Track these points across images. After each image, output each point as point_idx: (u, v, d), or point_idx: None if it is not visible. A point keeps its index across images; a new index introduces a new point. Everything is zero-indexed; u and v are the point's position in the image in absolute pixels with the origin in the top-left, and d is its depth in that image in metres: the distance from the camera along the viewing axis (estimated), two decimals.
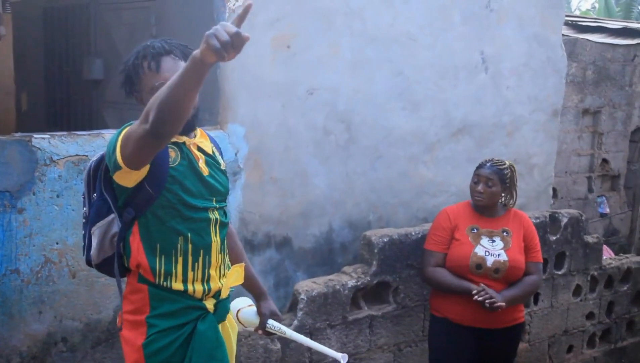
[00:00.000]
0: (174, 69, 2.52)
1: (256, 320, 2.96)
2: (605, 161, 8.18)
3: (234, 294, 2.94)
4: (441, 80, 5.00)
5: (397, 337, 4.60)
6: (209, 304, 2.70)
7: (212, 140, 2.87)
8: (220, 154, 2.88)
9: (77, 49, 5.86)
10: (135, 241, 2.61)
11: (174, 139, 2.59)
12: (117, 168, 2.49)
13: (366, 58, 4.62)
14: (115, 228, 2.65)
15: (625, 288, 5.98)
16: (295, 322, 4.09)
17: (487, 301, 3.93)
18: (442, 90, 5.02)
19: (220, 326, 2.75)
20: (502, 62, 5.31)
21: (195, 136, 2.71)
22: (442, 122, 5.06)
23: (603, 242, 5.87)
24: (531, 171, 5.64)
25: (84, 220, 2.75)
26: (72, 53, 5.95)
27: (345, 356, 2.86)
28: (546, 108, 5.67)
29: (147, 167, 2.50)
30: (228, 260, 2.85)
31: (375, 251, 4.42)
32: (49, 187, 3.56)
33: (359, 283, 4.36)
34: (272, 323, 2.95)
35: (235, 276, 2.81)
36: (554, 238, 5.27)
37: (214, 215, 2.68)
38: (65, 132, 3.76)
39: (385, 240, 4.45)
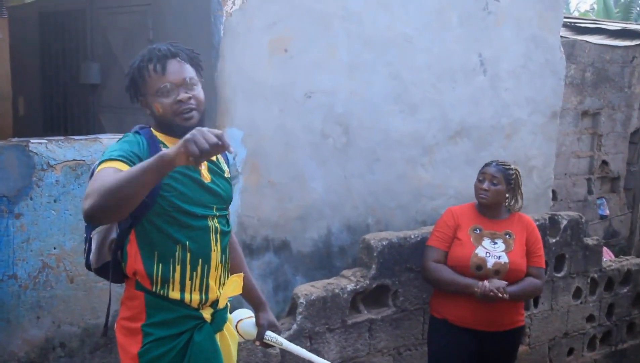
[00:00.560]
0: (180, 71, 2.54)
1: (254, 332, 2.92)
2: (604, 162, 8.17)
3: (235, 304, 2.93)
4: (439, 82, 4.99)
5: (396, 340, 4.59)
6: (206, 314, 2.66)
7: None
8: (226, 161, 2.85)
9: (73, 53, 5.84)
10: (133, 249, 2.57)
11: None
12: None
13: (363, 61, 4.61)
14: (114, 234, 2.62)
15: (625, 290, 5.97)
16: (295, 326, 4.08)
17: (491, 293, 3.92)
18: (440, 92, 5.01)
19: (218, 336, 2.72)
20: (500, 64, 5.30)
21: None
22: (440, 125, 5.05)
23: (603, 244, 5.86)
24: (530, 174, 5.63)
25: (86, 223, 2.67)
26: (68, 57, 5.93)
27: None
28: (545, 110, 5.66)
29: None
30: (228, 269, 2.82)
31: (374, 254, 4.41)
32: (46, 192, 3.56)
33: (358, 287, 4.34)
34: (269, 334, 2.92)
35: (233, 286, 2.77)
36: (554, 240, 5.26)
37: (214, 223, 2.65)
38: (62, 137, 3.75)
39: (384, 243, 4.44)
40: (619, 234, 8.44)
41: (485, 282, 3.97)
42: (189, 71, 2.57)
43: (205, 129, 2.11)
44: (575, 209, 7.47)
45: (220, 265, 2.68)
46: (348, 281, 4.34)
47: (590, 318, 5.76)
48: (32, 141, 3.56)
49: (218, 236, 2.66)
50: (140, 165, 2.16)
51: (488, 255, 4.08)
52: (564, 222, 5.32)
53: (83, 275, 3.66)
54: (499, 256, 4.07)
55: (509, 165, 4.21)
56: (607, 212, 8.22)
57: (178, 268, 2.57)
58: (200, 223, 2.59)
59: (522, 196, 4.27)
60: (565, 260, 5.39)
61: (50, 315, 3.65)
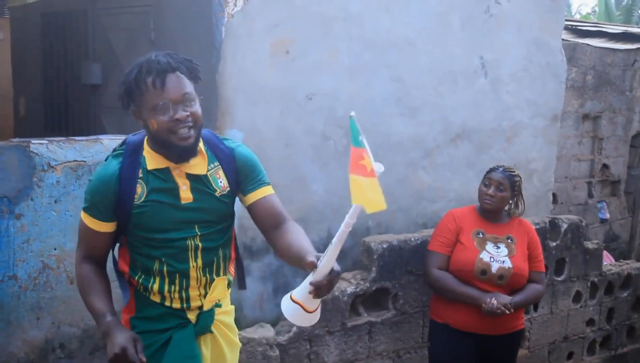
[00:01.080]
0: (179, 87, 2.45)
1: (307, 283, 2.35)
2: (605, 166, 8.16)
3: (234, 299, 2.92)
4: (440, 85, 4.99)
5: (396, 343, 4.59)
6: (191, 315, 2.68)
7: (221, 156, 2.70)
8: (230, 172, 2.69)
9: (75, 53, 5.85)
10: (123, 253, 2.71)
11: (157, 166, 2.56)
12: None
13: (364, 63, 4.61)
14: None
15: (625, 294, 5.97)
16: (294, 329, 4.08)
17: (498, 310, 3.94)
18: (441, 95, 5.01)
19: (203, 338, 2.71)
20: (501, 67, 5.30)
21: (190, 160, 2.59)
22: (440, 128, 5.05)
23: (603, 248, 5.86)
24: (531, 177, 5.63)
25: None
26: (70, 58, 5.94)
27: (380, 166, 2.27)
28: (546, 113, 5.66)
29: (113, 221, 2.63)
30: (225, 273, 2.76)
31: (375, 257, 4.40)
32: (47, 193, 3.56)
33: (358, 289, 4.34)
34: (317, 262, 2.34)
35: (218, 289, 2.72)
36: (554, 244, 5.26)
37: (194, 242, 2.60)
38: (63, 138, 3.75)
39: (384, 246, 4.44)
40: (619, 238, 8.44)
41: (493, 300, 3.97)
42: (188, 86, 2.49)
43: (124, 357, 2.38)
44: (575, 213, 7.47)
45: (203, 277, 2.65)
46: (348, 284, 4.34)
47: (590, 322, 5.76)
48: (32, 141, 3.55)
49: (199, 253, 2.62)
50: (93, 311, 2.56)
51: (492, 259, 4.07)
52: (564, 226, 5.31)
53: None
54: (503, 261, 4.07)
55: (514, 171, 4.21)
56: (608, 216, 8.21)
57: (157, 279, 2.61)
58: (176, 244, 2.58)
59: (523, 202, 4.27)
60: (565, 263, 5.39)
61: (50, 316, 3.65)
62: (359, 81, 4.60)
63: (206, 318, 2.70)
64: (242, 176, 2.70)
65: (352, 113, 2.15)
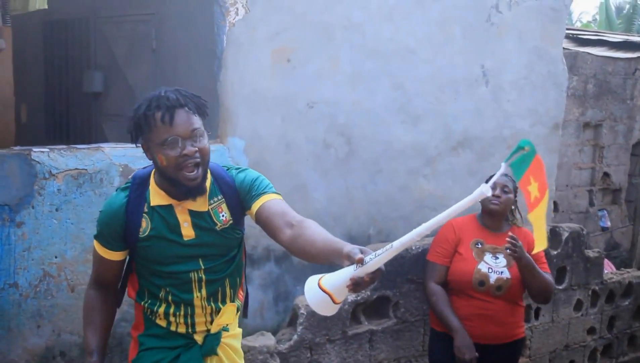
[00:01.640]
0: (187, 123, 2.44)
1: (344, 274, 2.17)
2: (606, 174, 8.16)
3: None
4: (441, 93, 5.00)
5: (397, 351, 4.58)
6: (198, 336, 2.68)
7: (225, 189, 2.66)
8: (233, 203, 2.64)
9: (76, 61, 5.86)
10: (132, 277, 2.73)
11: (160, 202, 2.57)
12: None
13: (366, 72, 4.61)
14: None
15: (626, 302, 5.96)
16: (295, 337, 4.07)
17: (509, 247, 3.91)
18: (442, 103, 5.01)
19: (210, 359, 2.70)
20: (502, 75, 5.30)
21: (196, 198, 2.57)
22: (442, 136, 5.05)
23: (604, 256, 5.85)
24: None
25: None
26: (71, 66, 5.95)
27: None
28: (547, 122, 5.66)
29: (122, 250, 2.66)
30: (234, 300, 2.74)
31: None
32: (48, 201, 3.56)
33: (358, 298, 4.34)
34: (367, 258, 2.11)
35: (226, 315, 2.71)
36: (555, 252, 5.25)
37: (198, 275, 2.60)
38: (64, 146, 3.75)
39: None
40: (620, 246, 8.44)
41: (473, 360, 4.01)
42: (196, 122, 2.48)
43: None
44: (576, 221, 7.47)
45: (208, 306, 2.65)
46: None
47: (591, 331, 5.75)
48: (34, 149, 3.56)
49: (203, 284, 2.62)
50: (85, 333, 2.68)
51: (490, 270, 4.06)
52: (565, 234, 5.31)
53: (84, 284, 3.64)
54: (501, 272, 4.06)
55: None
56: (609, 224, 8.21)
57: (163, 305, 2.63)
58: (180, 277, 2.60)
59: (519, 210, 4.27)
60: (566, 272, 5.39)
61: (51, 324, 3.65)
62: (361, 89, 4.61)
63: (212, 340, 2.69)
64: (242, 196, 2.65)
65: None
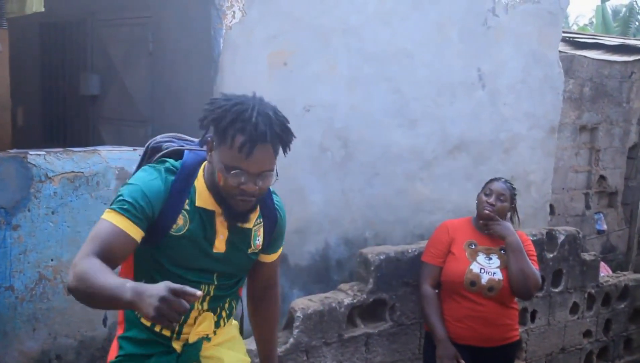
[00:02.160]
0: (263, 162, 2.24)
1: None
2: (602, 177, 8.17)
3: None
4: (438, 97, 5.00)
5: (393, 355, 4.58)
6: (176, 345, 2.54)
7: (266, 214, 2.58)
8: (269, 232, 2.60)
9: (73, 64, 5.85)
10: (126, 266, 2.51)
11: (205, 205, 2.39)
12: None
13: (363, 75, 4.62)
14: None
15: (622, 305, 5.97)
16: (291, 340, 4.07)
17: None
18: (440, 107, 5.02)
19: None
20: (499, 79, 5.31)
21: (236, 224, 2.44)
22: (439, 139, 5.06)
23: (600, 259, 5.86)
24: (528, 188, 5.64)
25: None
26: (68, 68, 5.94)
27: None
28: (543, 125, 5.67)
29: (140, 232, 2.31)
30: (224, 317, 2.65)
31: (372, 268, 4.40)
32: (44, 204, 3.55)
33: (355, 301, 4.34)
34: None
35: (205, 324, 2.56)
36: (551, 255, 5.26)
37: (207, 289, 2.48)
38: (60, 149, 3.75)
39: (381, 257, 4.44)
40: (616, 249, 8.44)
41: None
42: (272, 162, 2.28)
43: (173, 300, 1.89)
44: (572, 224, 7.47)
45: (202, 318, 2.54)
46: (345, 295, 4.33)
47: (587, 334, 5.76)
48: (30, 152, 3.55)
49: (207, 298, 2.50)
50: (109, 286, 2.02)
51: (482, 271, 4.07)
52: (562, 237, 5.32)
53: None
54: (494, 273, 4.07)
55: (512, 184, 4.24)
56: (605, 227, 8.22)
57: None
58: (189, 285, 2.18)
59: (518, 215, 4.29)
60: (562, 275, 5.39)
61: (47, 327, 3.64)
62: (358, 93, 4.61)
63: (194, 349, 2.56)
64: (273, 240, 2.64)
65: None
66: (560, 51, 5.94)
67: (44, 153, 3.58)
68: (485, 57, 5.21)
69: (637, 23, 20.05)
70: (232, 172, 2.23)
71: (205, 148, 2.37)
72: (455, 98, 5.09)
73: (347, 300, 4.29)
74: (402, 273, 4.52)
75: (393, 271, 4.48)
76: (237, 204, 2.31)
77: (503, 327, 4.11)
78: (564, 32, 6.69)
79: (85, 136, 5.71)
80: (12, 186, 3.46)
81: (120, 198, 2.29)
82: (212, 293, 2.50)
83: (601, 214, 8.22)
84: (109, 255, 2.23)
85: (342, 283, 4.50)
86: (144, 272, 2.42)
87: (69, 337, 3.71)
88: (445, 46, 4.99)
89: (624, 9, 20.88)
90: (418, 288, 4.32)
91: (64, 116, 6.10)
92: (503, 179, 4.22)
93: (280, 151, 2.31)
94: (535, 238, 4.99)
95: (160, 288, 1.91)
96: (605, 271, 6.40)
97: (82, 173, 3.64)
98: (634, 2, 20.28)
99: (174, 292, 1.90)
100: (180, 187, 2.37)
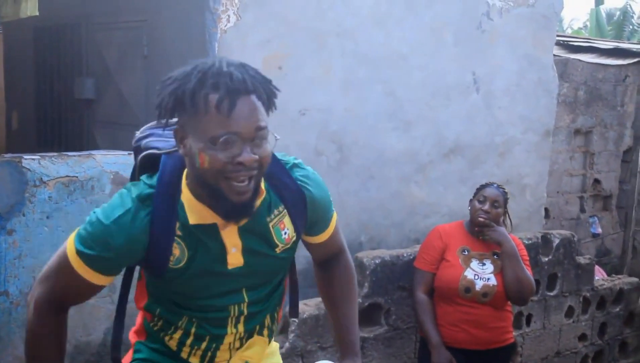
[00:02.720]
0: (253, 117, 1.77)
1: None
2: (597, 181, 8.17)
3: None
4: (433, 100, 5.01)
5: (388, 359, 4.57)
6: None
7: (287, 197, 2.04)
8: (298, 217, 2.06)
9: (68, 68, 5.84)
10: (141, 285, 2.10)
11: (200, 221, 1.90)
12: None
13: (358, 78, 4.62)
14: None
15: (617, 309, 5.97)
16: (287, 344, 4.06)
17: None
18: (434, 110, 5.02)
19: None
20: (493, 82, 5.32)
21: (240, 221, 1.92)
22: (434, 143, 5.06)
23: (595, 263, 5.87)
24: (523, 192, 5.64)
25: None
26: (63, 72, 5.93)
27: None
28: (538, 128, 5.68)
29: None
30: (271, 334, 2.22)
31: (367, 272, 4.40)
32: (39, 208, 3.54)
33: None
34: None
35: (254, 348, 2.16)
36: (546, 259, 5.26)
37: (239, 309, 2.03)
38: (55, 153, 3.74)
39: (377, 261, 4.43)
40: (611, 252, 8.44)
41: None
42: (262, 117, 1.81)
43: None
44: (567, 228, 7.47)
45: (238, 341, 2.10)
46: None
47: (582, 337, 5.76)
48: (25, 157, 3.54)
49: (242, 319, 2.05)
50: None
51: (477, 277, 4.07)
52: (556, 241, 5.32)
53: None
54: (488, 279, 4.07)
55: (504, 188, 4.24)
56: (600, 230, 8.22)
57: (179, 332, 2.06)
58: (215, 310, 2.02)
59: (510, 219, 4.29)
60: (557, 278, 5.39)
61: None
62: (353, 96, 4.61)
63: None
64: (313, 221, 2.14)
65: None
66: (554, 55, 5.94)
67: (38, 157, 3.57)
68: (480, 61, 5.21)
69: (631, 27, 20.10)
70: (218, 143, 1.74)
71: (180, 150, 1.84)
72: (450, 101, 5.09)
73: None
74: (397, 277, 4.51)
75: (388, 275, 4.47)
76: (235, 187, 1.78)
77: (497, 330, 4.12)
78: (558, 35, 6.70)
79: (80, 140, 5.70)
80: (7, 191, 3.45)
81: (87, 241, 1.90)
82: (246, 312, 2.04)
83: (596, 218, 8.22)
84: (70, 300, 2.03)
85: None
86: (160, 298, 2.04)
87: None
88: (440, 49, 4.99)
89: (618, 13, 20.94)
90: (412, 294, 4.32)
91: (58, 120, 6.08)
92: (495, 185, 4.21)
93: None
94: (530, 241, 5.00)
95: None
96: (600, 275, 6.39)
97: (77, 177, 3.63)
98: (628, 6, 20.34)
99: None
100: (163, 210, 1.88)
